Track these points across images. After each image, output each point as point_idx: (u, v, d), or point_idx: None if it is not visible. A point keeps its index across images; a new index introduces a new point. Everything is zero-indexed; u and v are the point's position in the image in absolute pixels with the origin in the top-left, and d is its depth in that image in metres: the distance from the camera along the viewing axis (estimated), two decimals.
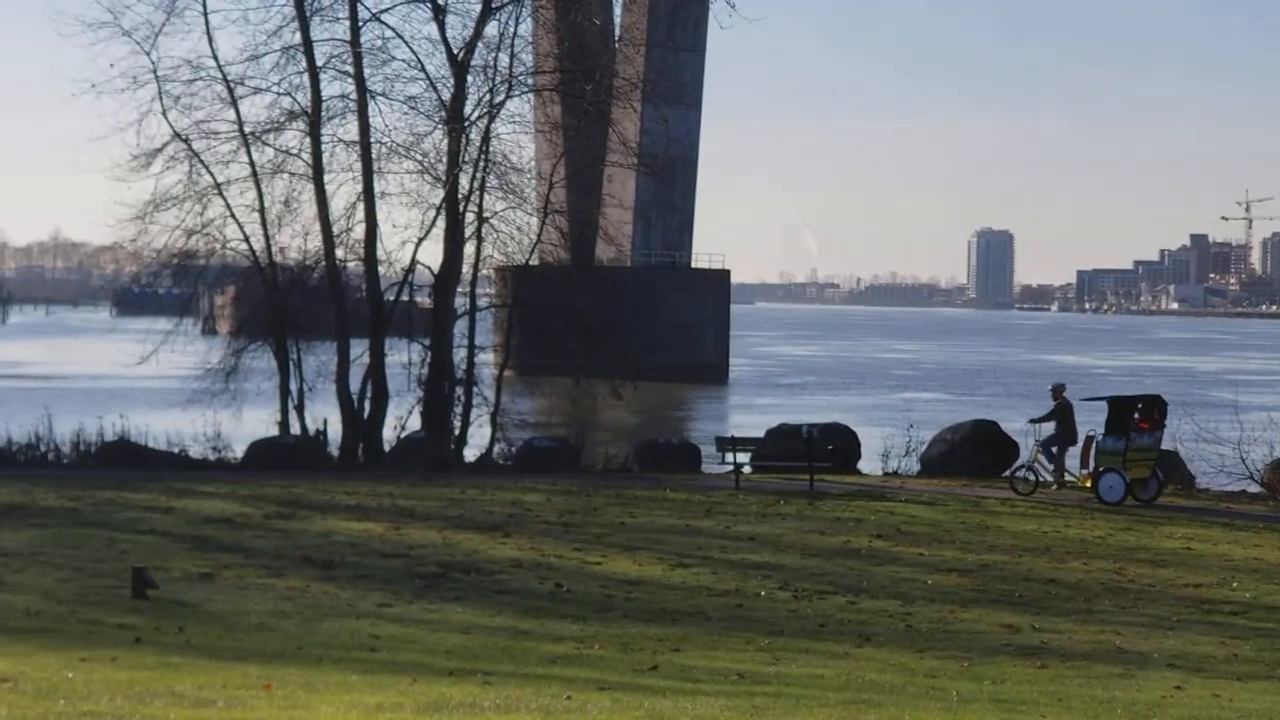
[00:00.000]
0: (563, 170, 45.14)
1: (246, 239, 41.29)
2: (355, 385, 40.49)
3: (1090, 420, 36.05)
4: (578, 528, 27.10)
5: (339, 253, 41.41)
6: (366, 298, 41.92)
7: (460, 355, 42.15)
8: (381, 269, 41.82)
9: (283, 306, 41.03)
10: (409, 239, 41.82)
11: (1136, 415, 33.42)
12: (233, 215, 41.15)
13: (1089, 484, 33.46)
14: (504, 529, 26.58)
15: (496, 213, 42.68)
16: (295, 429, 40.37)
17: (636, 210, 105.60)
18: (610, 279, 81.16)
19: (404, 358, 41.73)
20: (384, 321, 41.27)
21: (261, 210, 41.04)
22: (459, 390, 41.52)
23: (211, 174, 40.91)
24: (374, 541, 24.88)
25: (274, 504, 29.10)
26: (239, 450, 38.59)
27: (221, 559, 22.73)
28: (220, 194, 41.02)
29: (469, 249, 42.39)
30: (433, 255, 42.52)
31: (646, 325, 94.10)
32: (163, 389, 47.59)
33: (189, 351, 42.16)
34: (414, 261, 42.14)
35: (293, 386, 40.69)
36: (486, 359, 45.65)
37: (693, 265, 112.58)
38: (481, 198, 42.17)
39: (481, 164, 41.76)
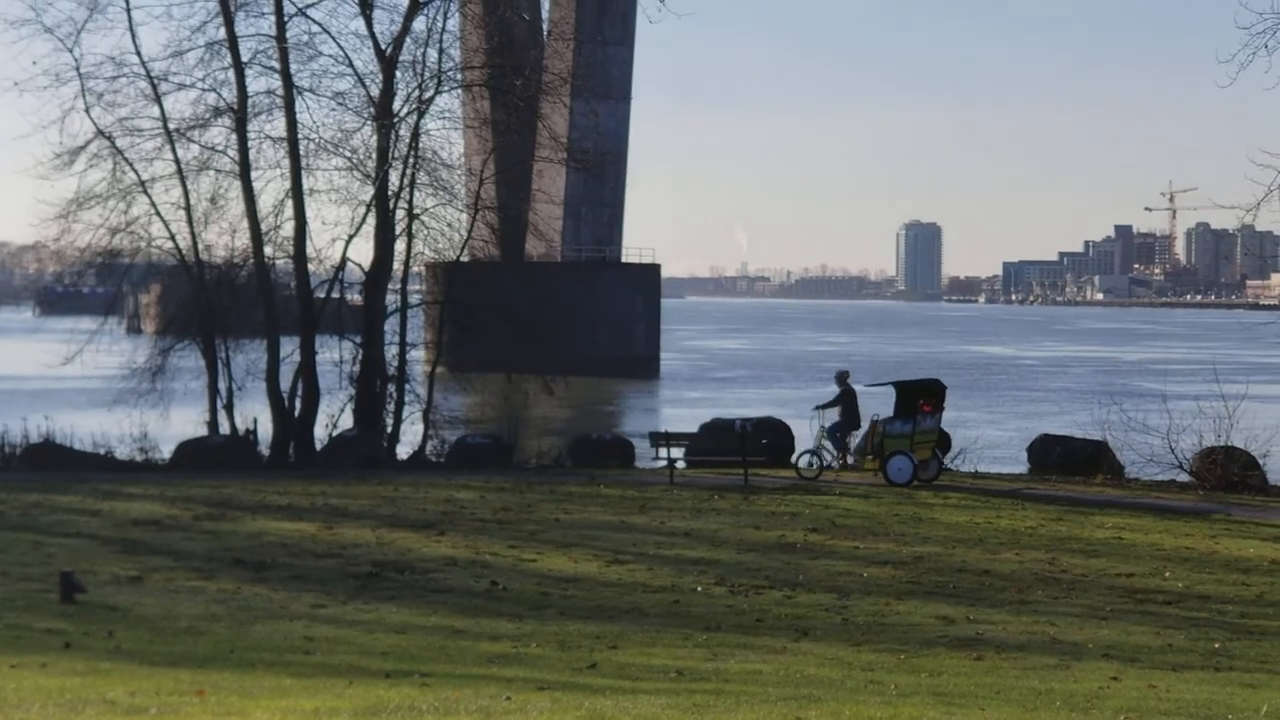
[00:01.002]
0: (493, 166, 44.99)
1: (172, 237, 41.01)
2: (286, 384, 40.26)
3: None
4: (512, 525, 26.98)
5: (268, 250, 41.17)
6: (296, 295, 41.68)
7: (392, 352, 41.98)
8: (311, 266, 41.61)
9: (210, 304, 40.71)
10: (339, 236, 41.73)
11: (920, 400, 34.46)
12: (158, 213, 40.86)
13: (875, 466, 34.38)
14: (438, 527, 26.42)
15: (427, 209, 42.55)
16: (225, 428, 40.09)
17: (566, 205, 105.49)
18: (541, 274, 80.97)
19: (335, 355, 41.54)
20: (314, 319, 41.04)
21: (187, 208, 40.76)
22: (391, 388, 41.32)
23: (136, 171, 40.59)
24: (307, 542, 24.67)
25: (204, 505, 28.81)
26: (167, 451, 38.28)
27: (151, 562, 22.47)
28: (145, 191, 40.70)
29: (399, 246, 42.24)
30: (363, 252, 42.45)
31: (578, 320, 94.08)
32: (88, 389, 47.13)
33: (115, 351, 41.76)
34: (344, 258, 41.98)
35: (221, 385, 40.40)
36: (418, 356, 45.51)
37: (623, 260, 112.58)
38: (412, 194, 41.99)
39: (411, 160, 41.57)
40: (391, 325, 42.46)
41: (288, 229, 41.15)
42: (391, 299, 42.66)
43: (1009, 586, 21.99)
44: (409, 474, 35.93)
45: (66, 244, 41.27)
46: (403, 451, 40.58)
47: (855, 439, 36.44)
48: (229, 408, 40.36)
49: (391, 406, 41.24)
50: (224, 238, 41.89)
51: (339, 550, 23.82)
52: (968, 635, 18.38)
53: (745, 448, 35.11)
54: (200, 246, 41.18)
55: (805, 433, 37.56)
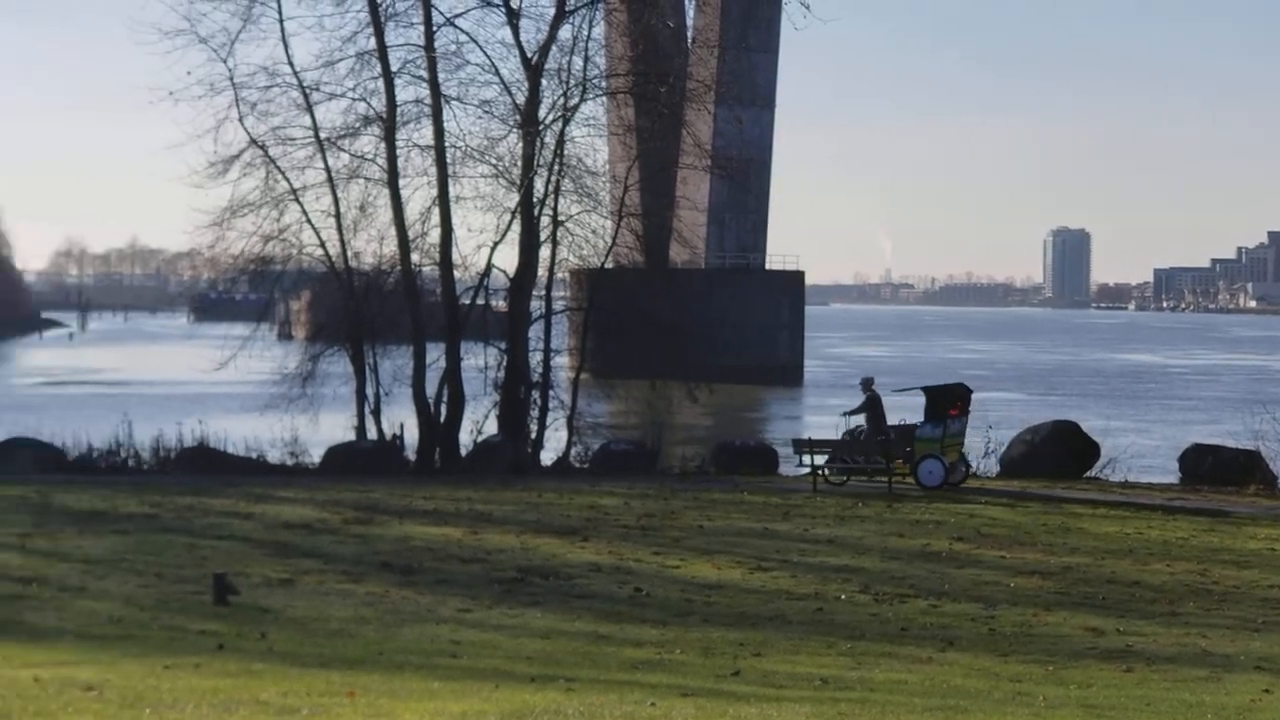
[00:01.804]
0: (637, 173, 45.02)
1: (322, 244, 41.44)
2: (432, 389, 40.56)
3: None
4: (656, 531, 27.04)
5: (414, 257, 41.50)
6: (442, 302, 41.96)
7: (536, 359, 42.14)
8: (457, 273, 41.89)
9: (359, 311, 41.12)
10: (484, 243, 41.96)
11: (949, 404, 34.95)
12: (309, 221, 41.30)
13: (905, 470, 34.71)
14: (582, 533, 26.54)
15: (571, 216, 42.73)
16: (372, 434, 40.45)
17: (710, 212, 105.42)
18: (685, 281, 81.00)
19: (480, 361, 41.81)
20: (460, 325, 41.30)
21: (337, 215, 41.18)
22: (535, 394, 41.51)
23: (287, 180, 41.08)
24: (452, 546, 24.89)
25: (352, 509, 29.18)
26: (317, 455, 38.75)
27: (301, 564, 22.78)
28: (296, 200, 41.16)
29: (544, 252, 42.43)
30: (508, 259, 42.64)
31: (721, 327, 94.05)
32: (240, 394, 47.84)
33: (266, 357, 42.35)
34: (489, 265, 42.24)
35: (369, 391, 40.76)
36: (562, 362, 45.69)
37: (767, 267, 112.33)
38: (556, 201, 42.17)
39: (556, 167, 41.74)
40: (536, 331, 42.67)
41: (434, 236, 41.54)
42: (536, 305, 42.87)
43: (1159, 598, 21.67)
44: (553, 480, 36.14)
45: (220, 251, 41.93)
46: (547, 457, 40.77)
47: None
48: (376, 413, 40.75)
49: (536, 413, 41.43)
50: (372, 245, 42.37)
51: (484, 555, 24.00)
52: (1117, 647, 18.14)
53: (889, 455, 34.95)
54: (349, 254, 41.61)
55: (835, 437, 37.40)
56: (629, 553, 24.49)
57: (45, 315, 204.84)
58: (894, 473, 34.69)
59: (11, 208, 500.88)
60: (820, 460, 35.10)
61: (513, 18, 41.32)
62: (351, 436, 40.39)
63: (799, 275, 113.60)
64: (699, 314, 72.75)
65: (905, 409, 38.97)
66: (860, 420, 36.12)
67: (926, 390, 35.97)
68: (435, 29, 40.91)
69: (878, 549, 25.58)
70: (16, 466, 36.17)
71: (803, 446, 35.43)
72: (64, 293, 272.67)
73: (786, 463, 38.50)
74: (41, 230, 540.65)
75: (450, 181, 41.18)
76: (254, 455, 38.56)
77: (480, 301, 42.85)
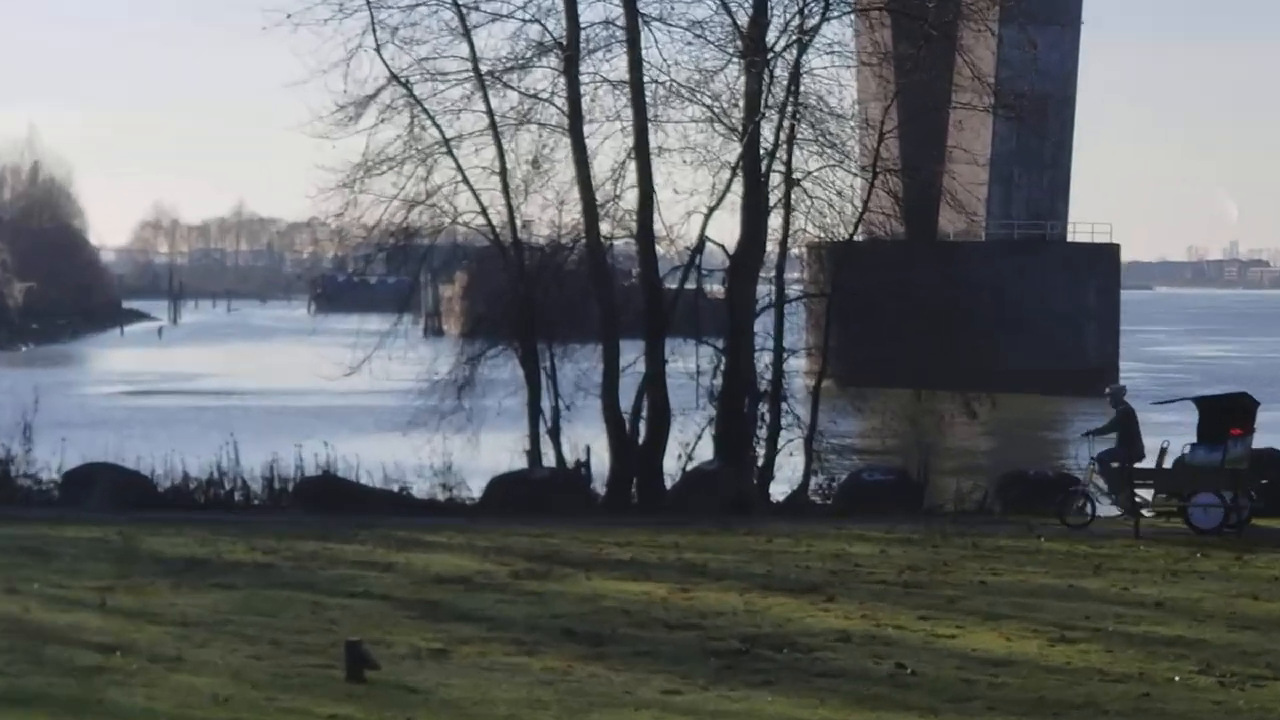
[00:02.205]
0: (896, 116, 44.80)
1: (483, 210, 41.78)
2: (627, 401, 40.72)
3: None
4: (923, 589, 26.92)
5: (604, 227, 41.70)
6: (640, 286, 42.11)
7: (764, 361, 42.13)
8: (660, 248, 42.11)
9: (531, 298, 41.34)
10: (695, 208, 42.04)
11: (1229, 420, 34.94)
12: (465, 180, 41.66)
13: (1171, 508, 34.80)
14: (825, 591, 26.47)
15: (810, 173, 42.60)
16: (549, 459, 40.72)
17: (993, 167, 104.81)
18: (960, 257, 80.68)
19: (690, 365, 41.87)
20: (665, 317, 41.36)
21: (503, 173, 41.46)
22: (763, 407, 41.51)
23: (438, 127, 41.53)
24: (656, 608, 24.94)
25: (524, 558, 29.42)
26: (477, 488, 39.16)
27: (458, 631, 22.95)
28: (449, 153, 41.56)
29: (773, 221, 42.42)
30: (727, 229, 42.70)
31: (1008, 318, 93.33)
32: (377, 408, 48.55)
33: (410, 359, 42.81)
34: (702, 238, 42.27)
35: (545, 404, 41.01)
36: (798, 365, 45.59)
37: (1069, 238, 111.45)
38: (790, 153, 42.10)
39: (789, 109, 41.69)
40: (763, 325, 42.67)
41: (630, 199, 41.75)
42: (763, 291, 42.89)
43: None
44: (787, 520, 36.15)
45: (350, 221, 42.42)
46: (778, 491, 40.80)
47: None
48: (554, 433, 41.00)
49: (764, 432, 41.45)
50: (548, 211, 42.67)
51: (697, 620, 24.03)
52: None
53: (1238, 489, 34.51)
54: (518, 223, 41.93)
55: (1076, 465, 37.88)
56: (887, 617, 24.37)
57: (128, 305, 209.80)
58: (1173, 511, 34.84)
59: (85, 164, 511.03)
60: (1146, 494, 34.93)
61: None
62: (522, 463, 40.66)
63: (1112, 249, 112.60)
64: (978, 301, 72.14)
65: (1171, 429, 38.37)
66: (1108, 442, 35.96)
67: (1200, 402, 35.98)
68: None
69: (1222, 615, 25.19)
70: (94, 501, 37.01)
71: (1121, 478, 35.11)
72: (151, 275, 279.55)
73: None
74: (123, 194, 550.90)
75: (651, 128, 41.31)
76: (395, 488, 39.10)
77: (691, 286, 42.91)
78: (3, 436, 40.08)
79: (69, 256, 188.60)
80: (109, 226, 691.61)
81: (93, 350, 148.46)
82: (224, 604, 24.67)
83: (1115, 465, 35.59)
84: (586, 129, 41.23)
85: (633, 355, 41.38)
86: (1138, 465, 35.68)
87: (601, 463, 40.63)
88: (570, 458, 40.92)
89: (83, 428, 62.69)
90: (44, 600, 24.74)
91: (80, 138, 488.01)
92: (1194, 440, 35.37)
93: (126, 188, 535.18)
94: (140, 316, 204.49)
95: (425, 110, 41.30)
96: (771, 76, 41.38)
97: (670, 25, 41.91)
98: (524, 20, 41.41)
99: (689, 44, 42.17)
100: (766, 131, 41.58)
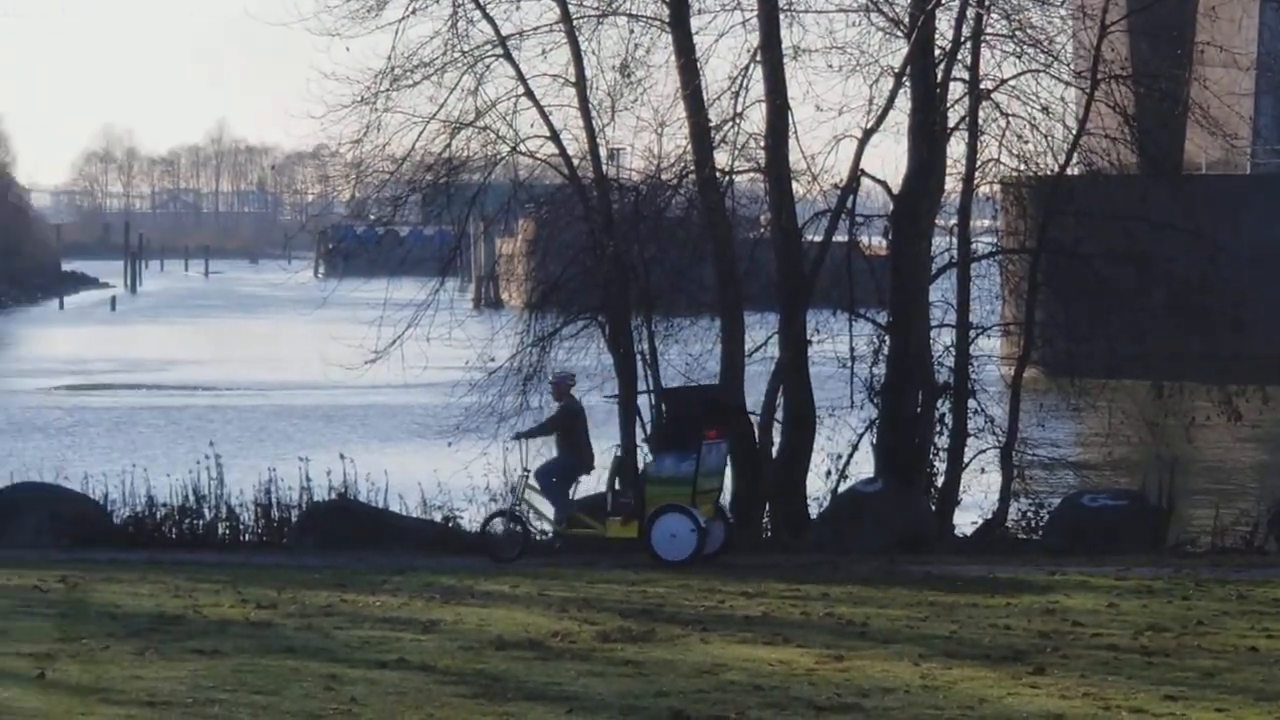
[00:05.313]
0: (1124, 1, 44.58)
1: (554, 135, 41.69)
2: (755, 397, 40.70)
3: None
4: (1169, 656, 26.77)
5: (720, 158, 41.55)
6: (771, 239, 41.96)
7: (944, 341, 42.01)
8: (799, 187, 41.94)
9: (621, 256, 41.25)
10: (845, 132, 41.80)
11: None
12: (529, 94, 41.51)
13: None
14: (1033, 659, 26.36)
15: (1004, 81, 42.40)
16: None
17: (1261, 72, 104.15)
18: (1215, 198, 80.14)
19: (842, 347, 41.77)
20: (805, 282, 41.23)
21: (580, 83, 41.36)
22: (942, 405, 41.40)
23: (491, 21, 41.43)
24: (796, 682, 24.92)
25: (617, 614, 29.46)
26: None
27: (527, 715, 23.01)
28: (507, 56, 41.49)
29: (955, 148, 42.27)
30: (890, 161, 42.51)
31: None
32: (412, 408, 48.59)
33: (455, 339, 42.66)
34: (855, 172, 42.03)
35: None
36: (989, 347, 45.41)
37: None
38: (975, 54, 41.93)
39: None
40: (942, 292, 42.52)
41: (756, 119, 41.58)
42: (941, 245, 42.75)
43: None
44: (978, 561, 36.16)
45: (371, 151, 42.23)
46: (965, 521, 40.73)
47: None
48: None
49: (944, 440, 41.38)
50: (643, 137, 42.57)
51: (856, 699, 23.98)
52: None
53: None
54: (603, 153, 41.89)
55: None
56: (1120, 696, 24.29)
57: (68, 266, 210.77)
58: None
59: (6, 72, 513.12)
60: None
61: None
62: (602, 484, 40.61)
63: None
64: (1239, 259, 71.57)
65: None
66: None
67: None
68: None
69: None
70: (26, 535, 37.27)
71: None
72: (100, 225, 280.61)
73: None
74: (60, 115, 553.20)
75: (784, 20, 41.21)
76: (437, 517, 39.20)
77: (840, 238, 42.78)
78: None
79: None
80: (42, 159, 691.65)
81: (21, 329, 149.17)
82: (205, 677, 24.65)
83: None
84: (696, 21, 41.25)
85: (762, 333, 41.31)
86: None
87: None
88: None
89: (8, 436, 63.23)
90: None
91: (2, 39, 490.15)
92: None
93: (65, 106, 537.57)
94: (86, 282, 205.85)
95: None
96: None
97: None
98: None
99: None
100: (944, 24, 41.50)
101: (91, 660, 25.66)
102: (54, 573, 32.68)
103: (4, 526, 37.76)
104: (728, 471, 38.53)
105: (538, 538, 37.88)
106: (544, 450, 37.66)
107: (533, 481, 37.35)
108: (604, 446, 38.36)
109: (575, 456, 37.43)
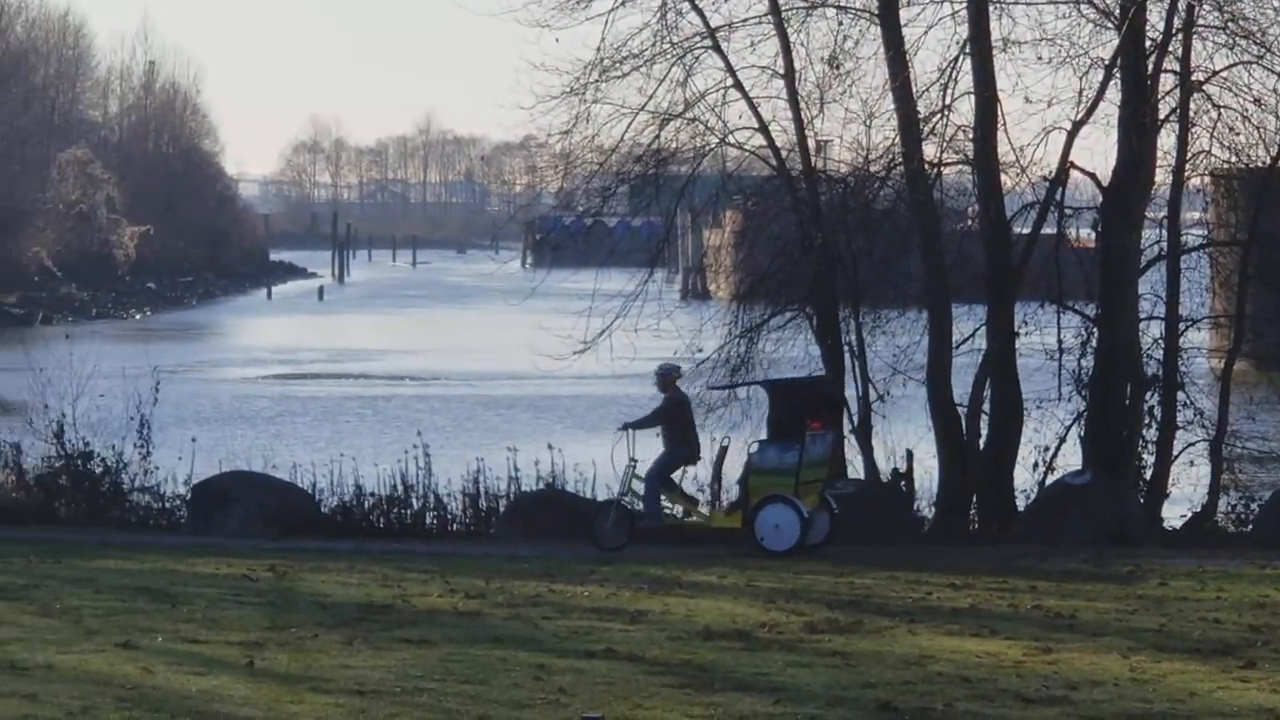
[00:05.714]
0: None
1: (763, 127, 41.90)
2: (963, 389, 40.55)
3: None
4: None
5: (928, 150, 41.58)
6: (979, 230, 41.86)
7: (1153, 334, 41.75)
8: (1007, 179, 41.77)
9: (829, 248, 41.29)
10: (1056, 124, 41.68)
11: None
12: (738, 85, 41.78)
13: None
14: (1244, 653, 26.17)
15: (1216, 72, 42.11)
16: (856, 469, 40.66)
17: None
18: None
19: (1050, 339, 41.57)
20: (1014, 274, 41.14)
21: (789, 75, 41.45)
22: (1151, 397, 41.15)
23: (700, 12, 41.52)
24: (1004, 674, 24.83)
25: (824, 606, 29.51)
26: None
27: (735, 705, 22.96)
28: (716, 47, 41.60)
29: (1165, 140, 42.00)
30: (1099, 153, 42.33)
31: None
32: (620, 399, 48.57)
33: (662, 330, 42.77)
34: (1065, 164, 41.90)
35: (852, 392, 40.93)
36: (1199, 340, 45.09)
37: None
38: (1188, 45, 41.64)
39: None
40: (1151, 285, 42.28)
41: (964, 112, 41.49)
42: (1151, 237, 42.47)
43: None
44: (1184, 554, 36.02)
45: (580, 142, 42.62)
46: (1174, 513, 40.45)
47: None
48: (863, 432, 40.96)
49: (1153, 433, 41.11)
50: (852, 129, 42.54)
51: (1064, 692, 23.84)
52: None
53: None
54: (811, 145, 41.91)
55: None
56: None
57: (276, 256, 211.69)
58: None
59: (218, 65, 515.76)
60: None
61: None
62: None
63: None
64: None
65: None
66: None
67: None
68: None
69: None
70: (234, 525, 37.51)
71: None
72: (308, 216, 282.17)
73: None
74: (270, 106, 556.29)
75: (993, 11, 41.07)
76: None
77: (1050, 230, 42.60)
78: (111, 437, 40.62)
79: (197, 191, 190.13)
80: (251, 150, 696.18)
81: (230, 319, 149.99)
82: (414, 667, 24.85)
83: None
84: (905, 14, 41.20)
85: (970, 325, 41.20)
86: None
87: (928, 474, 40.59)
88: (885, 466, 40.86)
89: (218, 425, 63.65)
90: (171, 659, 25.12)
91: (210, 29, 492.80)
92: None
93: (274, 97, 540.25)
94: (294, 272, 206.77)
95: None
96: None
97: None
98: None
99: None
100: (1154, 15, 41.23)
101: (300, 649, 25.89)
102: (263, 562, 32.93)
103: (213, 515, 38.05)
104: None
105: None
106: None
107: (639, 472, 37.58)
108: (708, 439, 38.55)
109: (682, 447, 37.72)
